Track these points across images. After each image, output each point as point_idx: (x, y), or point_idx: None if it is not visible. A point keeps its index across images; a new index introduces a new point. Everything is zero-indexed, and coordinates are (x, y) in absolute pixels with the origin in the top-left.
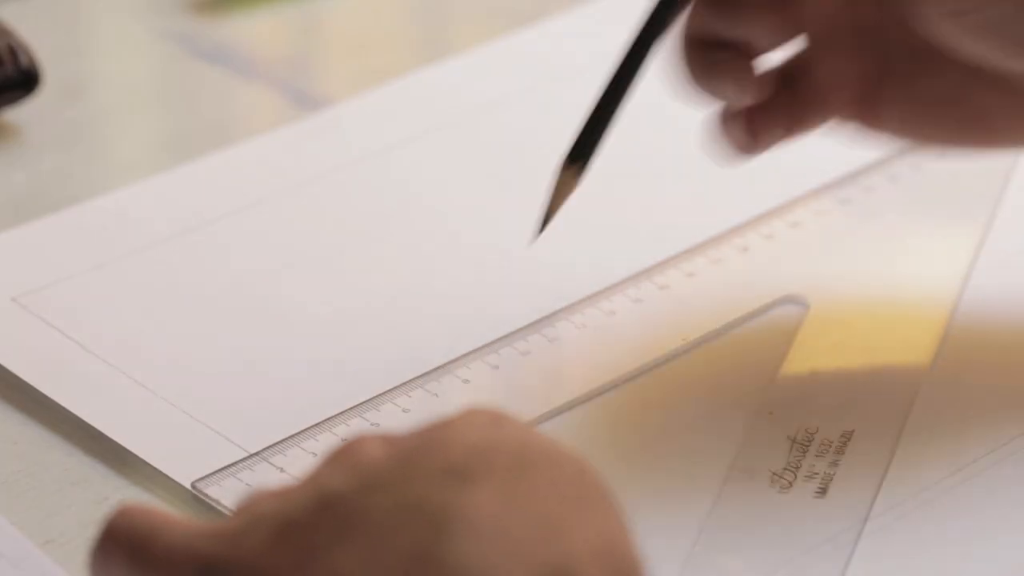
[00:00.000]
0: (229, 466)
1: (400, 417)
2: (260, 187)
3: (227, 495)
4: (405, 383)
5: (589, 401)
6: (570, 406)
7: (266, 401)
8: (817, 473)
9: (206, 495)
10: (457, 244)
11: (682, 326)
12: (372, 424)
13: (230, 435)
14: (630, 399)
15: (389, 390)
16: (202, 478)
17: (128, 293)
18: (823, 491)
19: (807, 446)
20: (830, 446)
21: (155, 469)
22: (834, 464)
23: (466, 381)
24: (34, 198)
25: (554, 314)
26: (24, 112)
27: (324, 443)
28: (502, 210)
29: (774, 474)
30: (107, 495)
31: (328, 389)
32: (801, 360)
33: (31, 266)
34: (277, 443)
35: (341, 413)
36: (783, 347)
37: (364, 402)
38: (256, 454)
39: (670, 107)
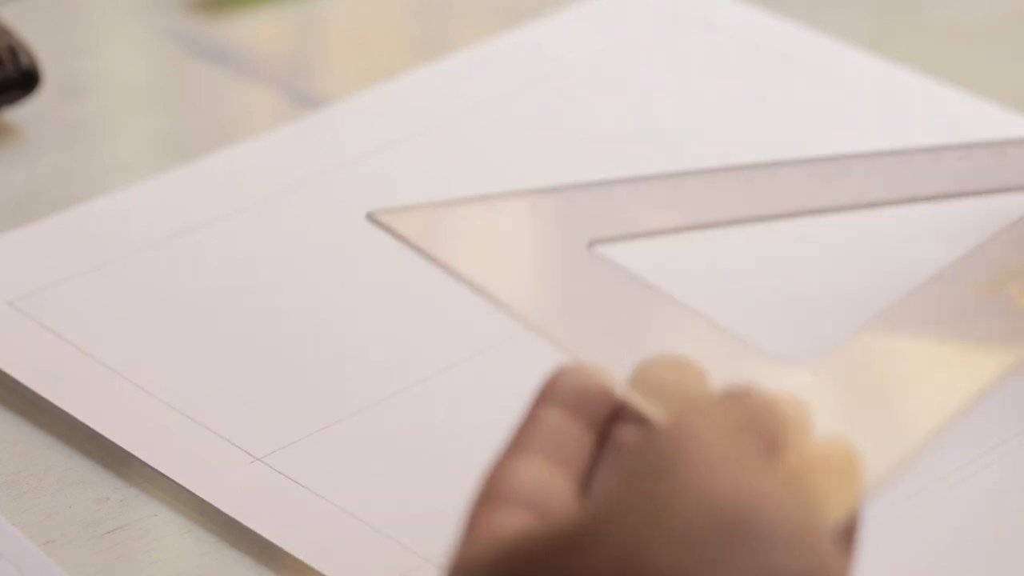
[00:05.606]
0: None
1: None
2: (260, 187)
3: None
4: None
5: None
6: None
7: (266, 403)
8: None
9: None
10: None
11: None
12: None
13: (230, 436)
14: None
15: None
16: None
17: (126, 295)
18: None
19: None
20: None
21: (155, 470)
22: None
23: None
24: (34, 198)
25: None
26: (24, 112)
27: None
28: None
29: None
30: (107, 495)
31: (328, 391)
32: None
33: (28, 269)
34: None
35: None
36: None
37: None
38: None
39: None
